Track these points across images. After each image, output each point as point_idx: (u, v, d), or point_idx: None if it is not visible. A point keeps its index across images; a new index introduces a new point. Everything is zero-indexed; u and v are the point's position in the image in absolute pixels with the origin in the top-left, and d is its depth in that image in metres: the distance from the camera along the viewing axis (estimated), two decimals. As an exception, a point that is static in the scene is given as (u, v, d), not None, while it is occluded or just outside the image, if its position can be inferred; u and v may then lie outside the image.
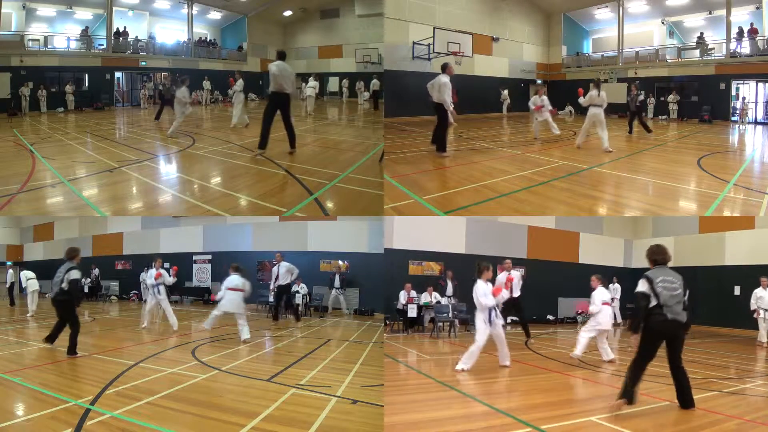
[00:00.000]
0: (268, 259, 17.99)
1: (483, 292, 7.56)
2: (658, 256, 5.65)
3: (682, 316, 5.38)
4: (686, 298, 5.46)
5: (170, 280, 11.57)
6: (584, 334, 8.86)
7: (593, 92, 12.54)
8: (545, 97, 14.93)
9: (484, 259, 7.90)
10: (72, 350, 7.78)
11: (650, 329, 5.36)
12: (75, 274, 7.79)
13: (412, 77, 19.76)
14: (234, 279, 10.02)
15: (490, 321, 7.56)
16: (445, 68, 11.08)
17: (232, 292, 9.97)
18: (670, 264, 5.59)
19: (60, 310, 7.99)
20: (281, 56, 10.42)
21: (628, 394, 5.35)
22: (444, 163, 10.86)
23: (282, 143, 11.06)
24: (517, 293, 11.12)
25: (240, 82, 16.27)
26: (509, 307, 11.00)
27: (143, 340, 10.18)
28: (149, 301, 11.80)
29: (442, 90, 10.80)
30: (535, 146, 13.79)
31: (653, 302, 5.34)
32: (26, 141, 13.52)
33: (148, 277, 11.83)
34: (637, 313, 5.44)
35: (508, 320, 12.96)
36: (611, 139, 12.58)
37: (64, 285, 7.79)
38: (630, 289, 16.98)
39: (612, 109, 21.88)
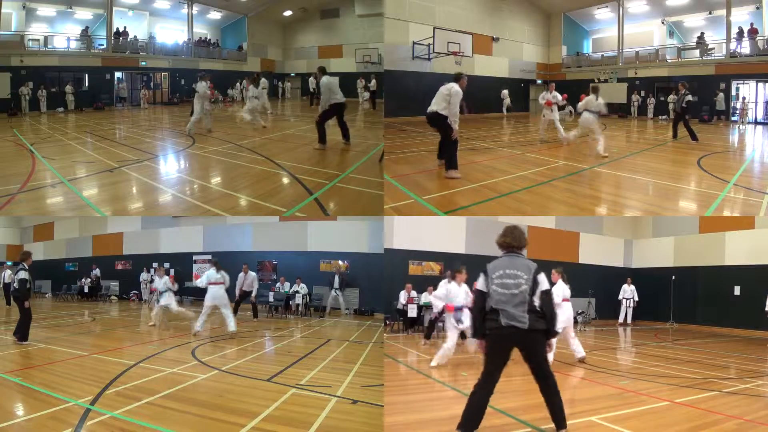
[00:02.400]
0: (268, 259, 18.01)
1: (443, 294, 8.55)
2: (504, 238, 4.44)
3: (522, 321, 4.17)
4: (537, 297, 4.24)
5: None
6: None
7: (590, 97, 12.00)
8: (556, 93, 14.05)
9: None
10: (20, 334, 8.91)
11: (486, 337, 4.34)
12: (22, 275, 9.04)
13: (413, 77, 19.77)
14: (213, 273, 10.53)
15: (459, 321, 8.35)
16: (458, 79, 9.04)
17: (214, 285, 10.50)
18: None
19: (17, 303, 9.36)
20: (325, 71, 11.56)
21: (464, 426, 4.26)
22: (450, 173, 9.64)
23: (279, 143, 11.24)
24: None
25: (264, 81, 16.49)
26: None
27: (143, 340, 10.18)
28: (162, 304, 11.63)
29: (453, 100, 8.84)
30: (535, 146, 13.77)
31: (489, 303, 4.32)
32: (26, 141, 13.51)
33: (162, 284, 11.58)
34: (475, 316, 4.52)
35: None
36: (610, 138, 12.54)
37: (16, 284, 9.14)
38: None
39: (612, 110, 21.94)
